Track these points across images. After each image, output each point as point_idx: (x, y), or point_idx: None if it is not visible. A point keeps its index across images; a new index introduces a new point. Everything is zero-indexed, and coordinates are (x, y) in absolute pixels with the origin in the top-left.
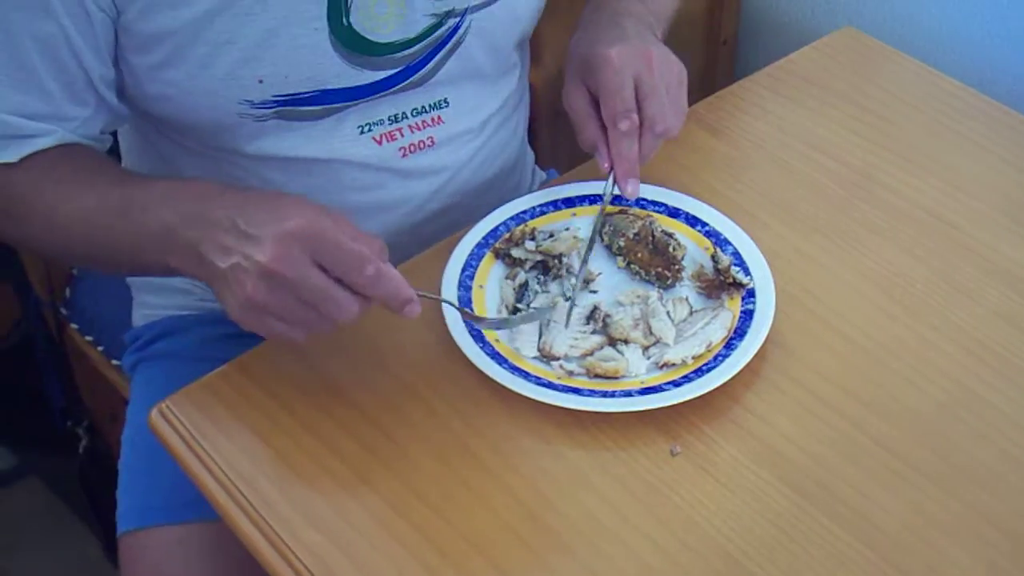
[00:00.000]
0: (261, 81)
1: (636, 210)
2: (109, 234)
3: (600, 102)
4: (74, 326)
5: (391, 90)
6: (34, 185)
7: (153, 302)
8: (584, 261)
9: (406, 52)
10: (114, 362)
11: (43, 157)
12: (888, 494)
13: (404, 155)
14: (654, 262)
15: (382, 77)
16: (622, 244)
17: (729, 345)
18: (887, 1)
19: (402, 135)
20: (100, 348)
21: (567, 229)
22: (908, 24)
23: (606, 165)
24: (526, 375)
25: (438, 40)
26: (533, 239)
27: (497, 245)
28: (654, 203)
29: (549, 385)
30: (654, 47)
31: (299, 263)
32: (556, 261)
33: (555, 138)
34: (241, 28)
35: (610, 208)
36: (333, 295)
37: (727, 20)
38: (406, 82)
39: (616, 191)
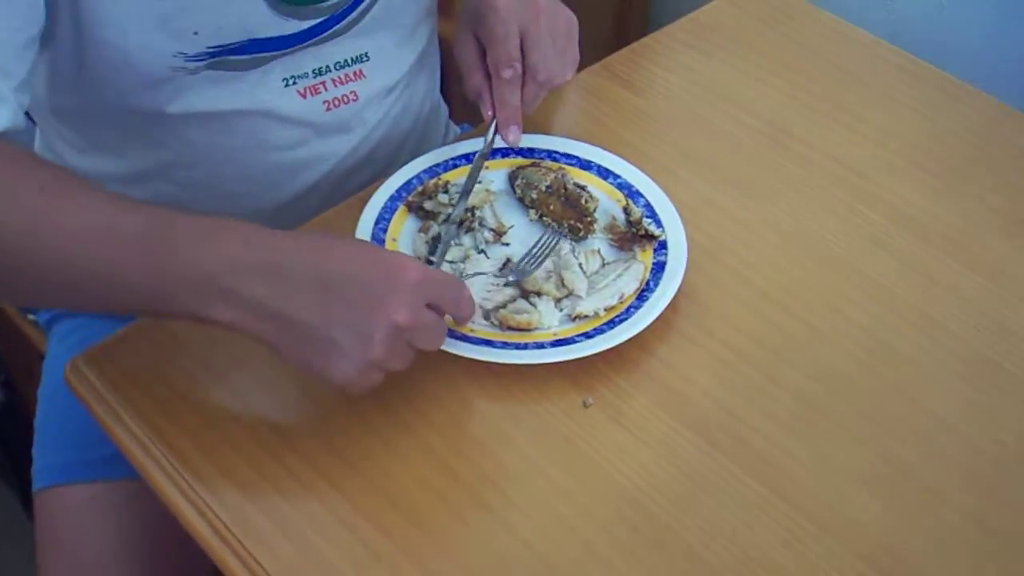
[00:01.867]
0: (196, 33)
1: (548, 163)
2: (113, 270)
3: (486, 51)
4: None
5: (316, 39)
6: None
7: None
8: (462, 199)
9: (332, 1)
10: (30, 317)
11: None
12: (799, 444)
13: (328, 109)
14: (566, 214)
15: (307, 27)
16: (534, 196)
17: (641, 297)
18: None
19: (326, 88)
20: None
21: (480, 182)
22: None
23: (489, 113)
24: None
25: None
26: (446, 192)
27: (410, 198)
28: (566, 155)
29: (463, 338)
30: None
31: (420, 309)
32: (469, 214)
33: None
34: None
35: (522, 161)
36: (441, 327)
37: None
38: (330, 31)
39: (499, 140)
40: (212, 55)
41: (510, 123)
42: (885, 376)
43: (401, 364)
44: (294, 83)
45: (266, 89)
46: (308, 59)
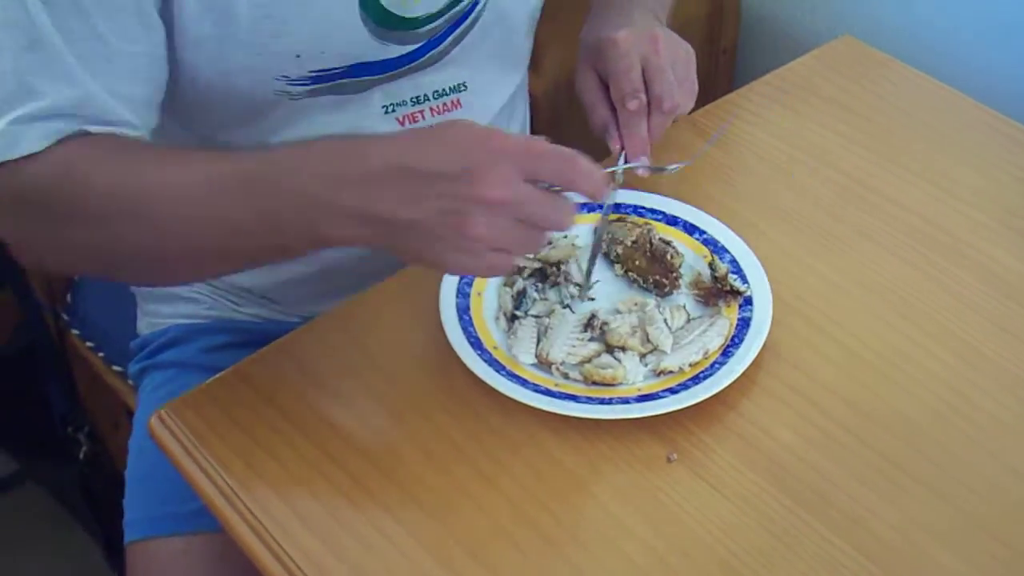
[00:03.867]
0: (298, 56)
1: (634, 218)
2: (231, 215)
3: (610, 85)
4: (75, 332)
5: (414, 64)
6: (107, 174)
7: (160, 310)
8: (591, 263)
9: (429, 26)
10: (115, 368)
11: (118, 142)
12: (883, 501)
13: None
14: (652, 270)
15: (407, 51)
16: (620, 252)
17: (726, 353)
18: (886, 10)
19: (424, 117)
20: (101, 354)
21: (565, 236)
22: (906, 33)
23: (617, 145)
24: (524, 382)
25: (458, 15)
26: None
27: None
28: (652, 211)
29: (546, 392)
30: (660, 30)
31: (518, 181)
32: (554, 268)
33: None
34: (275, 2)
35: (609, 216)
36: (555, 200)
37: (727, 28)
38: (427, 55)
39: (619, 182)
40: (315, 79)
41: (639, 154)
42: (969, 434)
43: (523, 244)
44: (394, 110)
45: (367, 115)
46: (407, 86)
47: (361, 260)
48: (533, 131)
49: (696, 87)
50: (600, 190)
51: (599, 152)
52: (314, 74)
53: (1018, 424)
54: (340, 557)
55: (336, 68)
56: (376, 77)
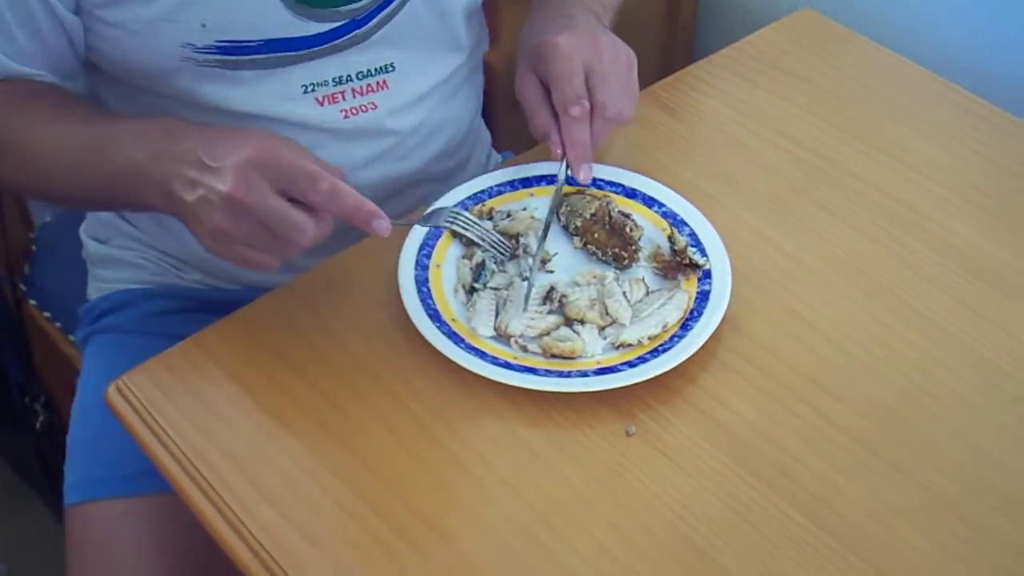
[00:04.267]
0: (204, 25)
1: (593, 190)
2: (85, 173)
3: (551, 89)
4: (32, 302)
5: (334, 43)
6: (5, 122)
7: (106, 275)
8: (541, 241)
9: (351, 6)
10: (71, 338)
11: (10, 93)
12: (845, 477)
13: (345, 116)
14: (611, 242)
15: (326, 30)
16: (579, 224)
17: (685, 326)
18: None
19: (344, 98)
20: (58, 324)
21: (524, 209)
22: (866, 6)
23: (559, 151)
24: (482, 354)
25: None
26: (491, 219)
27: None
28: (611, 183)
29: (505, 365)
30: (602, 35)
31: (257, 189)
32: (513, 241)
33: (513, 120)
34: None
35: (567, 188)
36: (290, 217)
37: (685, 3)
38: (348, 36)
39: (569, 175)
40: (224, 51)
41: (581, 161)
42: (933, 411)
43: (270, 248)
44: (313, 90)
45: (284, 95)
46: (329, 67)
47: None
48: (492, 105)
49: (637, 94)
50: (353, 212)
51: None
52: (223, 44)
53: (981, 401)
54: (297, 527)
55: (248, 41)
56: (293, 54)
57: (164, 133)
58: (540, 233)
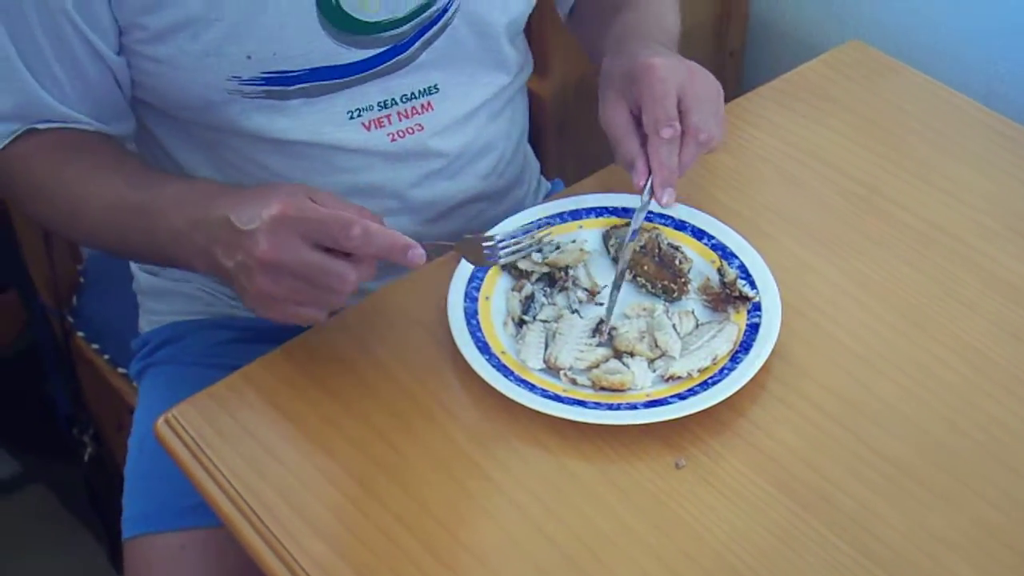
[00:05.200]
0: (249, 57)
1: (643, 223)
2: (132, 236)
3: (643, 111)
4: (80, 334)
5: (377, 69)
6: (57, 175)
7: (159, 308)
8: (616, 288)
9: (393, 32)
10: (120, 370)
11: (60, 144)
12: (892, 508)
13: (392, 139)
14: (660, 275)
15: (369, 56)
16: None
17: (735, 359)
18: (894, 14)
19: (390, 122)
20: (106, 356)
21: (573, 241)
22: (915, 38)
23: (641, 182)
24: (531, 387)
25: (426, 21)
26: (540, 251)
27: None
28: (660, 216)
29: (554, 397)
30: (692, 62)
31: (291, 246)
32: (562, 273)
33: (562, 149)
34: (228, 3)
35: (616, 221)
36: (328, 267)
37: (735, 32)
38: (392, 61)
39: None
40: (270, 81)
41: (666, 185)
42: (977, 440)
43: (317, 301)
44: (359, 115)
45: (330, 121)
46: (374, 92)
47: None
48: (541, 134)
49: (726, 122)
50: (388, 250)
51: (605, 154)
52: (268, 75)
53: None
54: (347, 561)
55: (293, 71)
56: (338, 81)
57: (201, 200)
58: (616, 281)
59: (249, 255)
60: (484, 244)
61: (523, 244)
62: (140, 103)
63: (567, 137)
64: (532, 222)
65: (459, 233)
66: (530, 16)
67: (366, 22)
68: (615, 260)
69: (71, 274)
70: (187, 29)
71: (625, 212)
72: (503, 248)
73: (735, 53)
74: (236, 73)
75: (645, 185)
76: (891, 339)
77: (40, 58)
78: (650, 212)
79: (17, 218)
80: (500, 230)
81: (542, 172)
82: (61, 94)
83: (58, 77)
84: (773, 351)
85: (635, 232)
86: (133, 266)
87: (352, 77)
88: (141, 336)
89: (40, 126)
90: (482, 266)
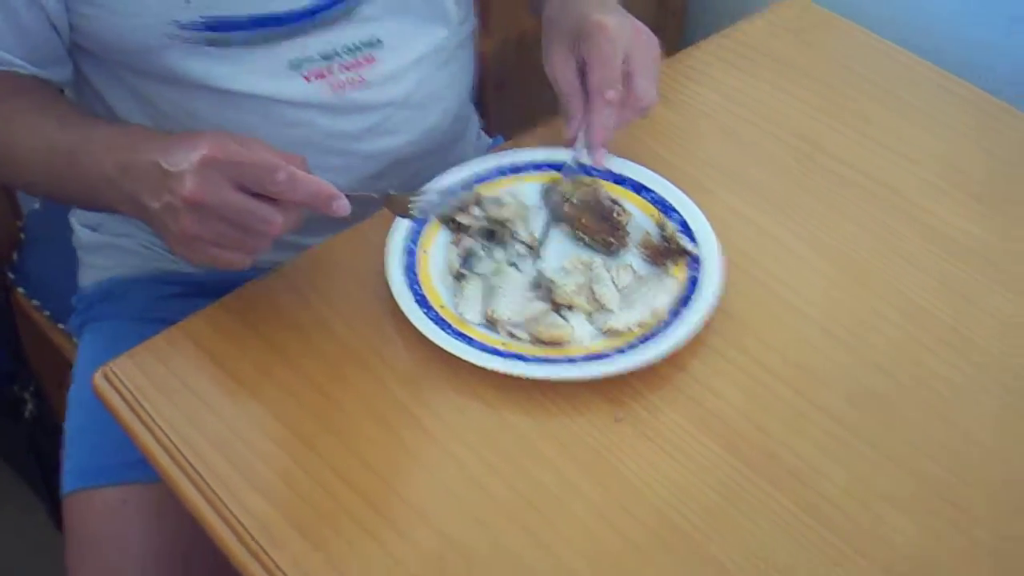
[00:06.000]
0: (188, 1)
1: (582, 177)
2: (62, 178)
3: (588, 69)
4: (20, 290)
5: (317, 18)
6: None
7: (99, 263)
8: (546, 230)
9: None
10: (60, 326)
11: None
12: (833, 463)
13: (334, 90)
14: (599, 228)
15: (310, 4)
16: (567, 210)
17: (675, 313)
18: None
19: (331, 73)
20: (47, 312)
21: (513, 196)
22: None
23: (572, 132)
24: (470, 340)
25: None
26: (480, 205)
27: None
28: (600, 171)
29: (494, 351)
30: (638, 22)
31: (216, 188)
32: (502, 227)
33: (502, 106)
34: None
35: (557, 176)
36: (254, 210)
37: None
38: (332, 10)
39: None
40: (209, 27)
41: (601, 144)
42: (919, 395)
43: (242, 244)
44: (300, 67)
45: (271, 71)
46: (316, 43)
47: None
48: (482, 91)
49: (659, 91)
50: (313, 197)
51: (546, 110)
52: (208, 19)
53: (968, 385)
54: (284, 513)
55: (233, 16)
56: (279, 29)
57: (131, 144)
58: (542, 227)
59: (175, 196)
60: (411, 198)
61: (448, 200)
62: (79, 49)
63: (507, 93)
64: (473, 176)
65: (390, 171)
66: None
67: None
68: (553, 214)
69: (12, 231)
70: None
71: (560, 167)
72: (428, 202)
73: (676, 12)
74: (175, 17)
75: (576, 136)
76: (833, 294)
77: None
78: (590, 167)
79: None
80: (438, 184)
81: (483, 128)
82: None
83: None
84: (714, 307)
85: (570, 179)
86: (73, 221)
87: (293, 25)
88: (81, 291)
89: None
90: (407, 218)
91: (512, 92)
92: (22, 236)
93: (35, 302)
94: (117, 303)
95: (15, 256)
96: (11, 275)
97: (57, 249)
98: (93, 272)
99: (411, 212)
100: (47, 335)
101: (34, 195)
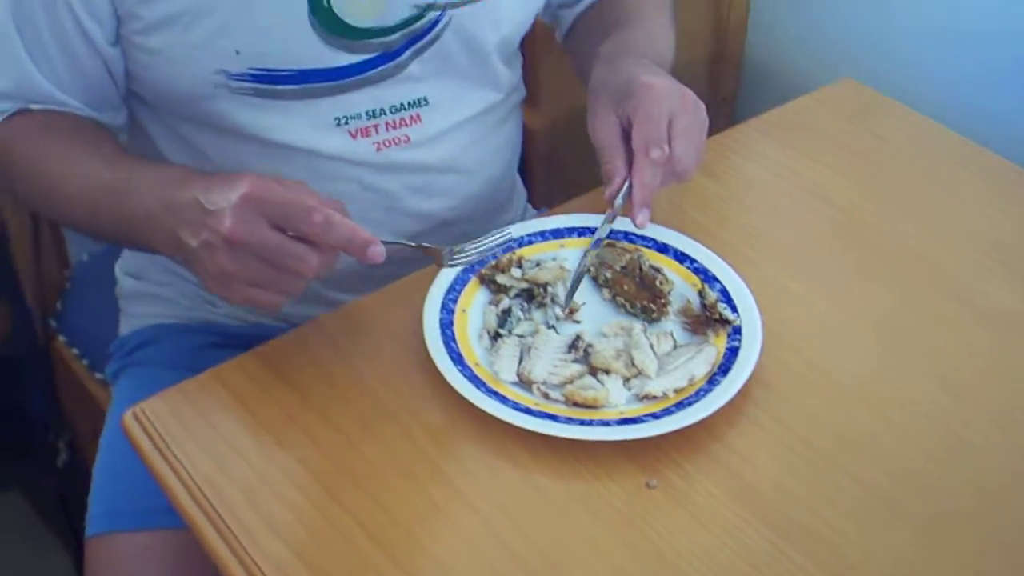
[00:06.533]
0: (238, 52)
1: (625, 244)
2: (102, 212)
3: (633, 128)
4: (62, 338)
5: (366, 75)
6: (42, 152)
7: (139, 311)
8: (575, 283)
9: (383, 39)
10: (97, 376)
11: (48, 124)
12: (868, 537)
13: (378, 149)
14: (640, 295)
15: (357, 61)
16: (608, 276)
17: (712, 381)
18: (885, 55)
19: (377, 131)
20: (86, 361)
21: (554, 259)
22: (906, 76)
23: (614, 191)
24: (503, 399)
25: (416, 32)
26: (520, 267)
27: (483, 271)
28: (643, 238)
29: (526, 410)
30: (687, 89)
31: (254, 226)
32: (541, 289)
33: (550, 181)
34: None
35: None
36: (290, 250)
37: (728, 75)
38: (381, 69)
39: (609, 227)
40: (257, 78)
41: (644, 205)
42: (960, 473)
43: (277, 284)
44: (346, 123)
45: (317, 125)
46: (362, 99)
47: (342, 270)
48: (529, 164)
49: (703, 157)
50: (348, 242)
51: (593, 186)
52: (257, 72)
53: (1011, 464)
54: (306, 564)
55: (281, 70)
56: (325, 84)
57: (174, 182)
58: (571, 279)
59: (214, 233)
60: (446, 247)
61: (485, 248)
62: (134, 96)
63: (555, 169)
64: (515, 239)
65: (433, 232)
66: (522, 49)
67: (356, 27)
68: (595, 279)
69: (58, 280)
70: (180, 20)
71: (608, 233)
72: (464, 254)
73: (727, 99)
74: (225, 67)
75: (616, 196)
76: (873, 367)
77: (38, 41)
78: (632, 234)
79: (10, 221)
80: (479, 245)
81: (529, 201)
82: (56, 78)
83: (54, 61)
84: (752, 375)
85: (599, 241)
86: (117, 271)
87: (340, 82)
88: (119, 338)
89: (34, 107)
90: (442, 267)
91: (560, 168)
92: (68, 285)
93: (75, 350)
94: (153, 350)
95: (59, 305)
96: (53, 323)
97: (100, 299)
98: (133, 320)
99: (447, 262)
100: (84, 384)
101: (78, 231)
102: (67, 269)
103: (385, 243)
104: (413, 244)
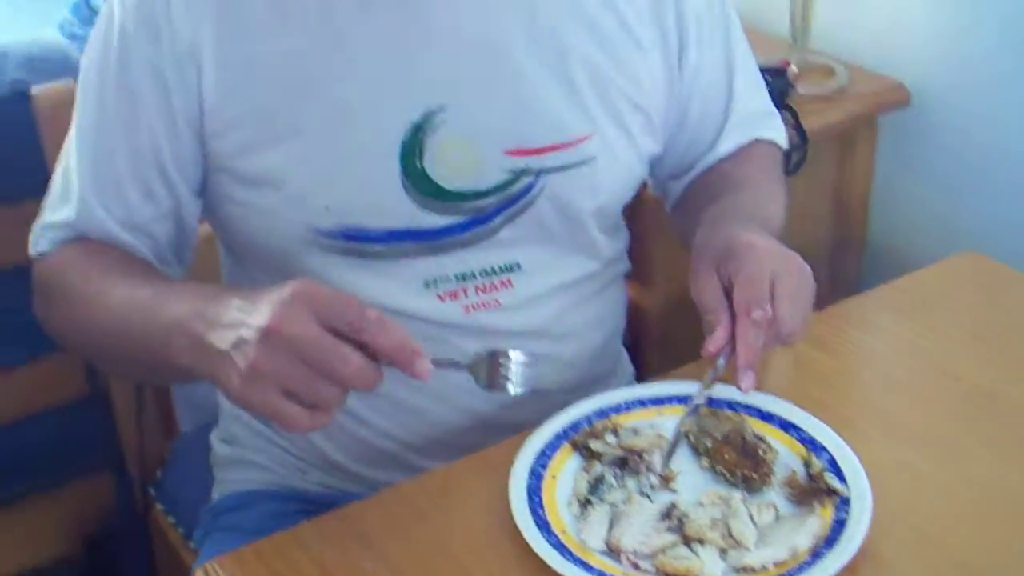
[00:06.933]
0: (328, 208)
1: (727, 412)
2: (126, 328)
3: (735, 288)
4: (160, 506)
5: (457, 238)
6: (83, 275)
7: (231, 477)
8: (671, 448)
9: (475, 203)
10: (191, 544)
11: (100, 252)
12: None
13: (467, 312)
14: (741, 464)
15: (450, 223)
16: (708, 445)
17: (817, 554)
18: (1009, 226)
19: (466, 295)
20: (181, 530)
21: (651, 427)
22: None
23: (714, 350)
24: (590, 568)
25: (509, 197)
26: (616, 434)
27: (576, 438)
28: (746, 407)
29: None
30: (792, 252)
31: (298, 318)
32: (636, 456)
33: (662, 360)
34: (315, 153)
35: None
36: (337, 348)
37: (850, 257)
38: (472, 232)
39: (708, 393)
40: (347, 236)
41: (748, 368)
42: None
43: (311, 390)
44: (435, 286)
45: (405, 287)
46: (450, 262)
47: (428, 437)
48: (639, 343)
49: (809, 321)
50: (398, 348)
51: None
52: (347, 230)
53: None
54: None
55: (372, 229)
56: (415, 245)
57: (210, 296)
58: (668, 445)
59: (249, 327)
60: (500, 363)
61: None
62: (225, 248)
63: (666, 347)
64: (611, 406)
65: (538, 421)
66: (635, 226)
67: (449, 190)
68: (695, 448)
69: (161, 449)
70: (274, 176)
71: (710, 402)
72: (520, 371)
73: (850, 279)
74: (315, 222)
75: (717, 349)
76: (995, 538)
77: (114, 178)
78: (735, 402)
79: (114, 390)
80: (576, 411)
81: (639, 379)
82: (123, 218)
83: (129, 201)
84: (860, 550)
85: (696, 407)
86: (212, 438)
87: (430, 243)
88: (210, 504)
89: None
90: (494, 389)
91: (673, 348)
92: (167, 456)
93: (171, 519)
94: (241, 515)
95: (159, 474)
96: (153, 492)
97: (197, 465)
98: (224, 486)
99: (498, 382)
100: (178, 552)
101: (104, 360)
102: (173, 439)
103: (434, 361)
104: (462, 361)
